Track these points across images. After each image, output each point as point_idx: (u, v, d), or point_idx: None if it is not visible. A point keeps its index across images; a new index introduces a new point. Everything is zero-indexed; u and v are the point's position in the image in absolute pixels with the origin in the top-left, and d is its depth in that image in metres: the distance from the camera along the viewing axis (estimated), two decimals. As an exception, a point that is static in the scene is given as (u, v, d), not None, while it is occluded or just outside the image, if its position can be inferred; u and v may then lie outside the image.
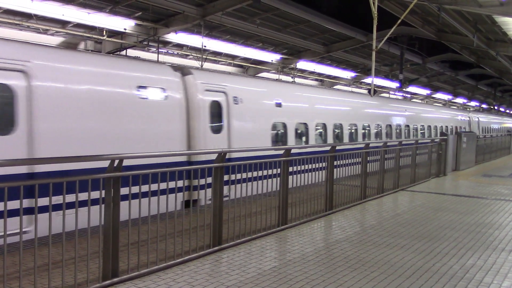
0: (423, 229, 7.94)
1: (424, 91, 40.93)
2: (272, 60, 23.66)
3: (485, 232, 7.86)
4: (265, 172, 7.24)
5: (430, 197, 11.42)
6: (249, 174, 6.94)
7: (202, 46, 17.86)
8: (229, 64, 24.08)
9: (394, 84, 31.89)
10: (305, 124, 14.02)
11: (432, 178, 14.62)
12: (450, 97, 46.69)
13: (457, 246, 6.99)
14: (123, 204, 5.05)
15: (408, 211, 9.53)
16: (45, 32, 16.01)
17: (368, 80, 31.26)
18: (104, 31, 16.46)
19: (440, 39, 23.03)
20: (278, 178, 7.63)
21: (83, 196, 4.70)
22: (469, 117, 32.54)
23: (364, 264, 5.98)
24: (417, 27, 20.81)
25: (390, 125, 19.90)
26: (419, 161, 13.73)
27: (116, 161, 5.01)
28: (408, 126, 21.70)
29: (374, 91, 19.45)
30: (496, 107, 54.27)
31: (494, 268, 6.00)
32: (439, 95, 44.60)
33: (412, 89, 37.05)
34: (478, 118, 34.73)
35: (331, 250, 6.55)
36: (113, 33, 16.95)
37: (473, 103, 54.96)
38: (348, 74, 30.17)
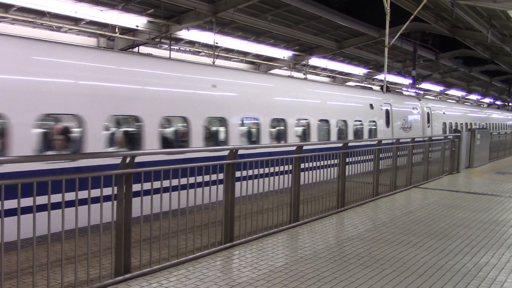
0: (436, 227, 7.88)
1: (438, 88, 40.63)
2: (284, 57, 23.62)
3: (499, 230, 7.78)
4: (276, 169, 7.24)
5: (443, 194, 11.34)
6: (261, 171, 6.94)
7: (214, 43, 17.88)
8: (241, 61, 24.09)
9: (407, 81, 31.68)
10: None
11: (445, 175, 14.50)
12: (463, 93, 46.29)
13: (471, 244, 6.93)
14: (136, 200, 5.07)
15: (421, 208, 9.47)
16: (58, 29, 16.14)
17: (380, 76, 31.09)
18: (117, 28, 16.55)
19: (454, 35, 22.83)
20: (290, 175, 7.62)
21: (96, 192, 4.73)
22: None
23: (376, 261, 5.95)
24: (430, 22, 20.65)
25: None
26: (432, 158, 13.63)
27: (128, 158, 5.04)
28: None
29: (387, 88, 19.35)
30: (511, 104, 53.68)
31: (508, 266, 5.93)
32: (452, 92, 44.22)
33: (425, 85, 36.78)
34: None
35: (343, 248, 6.53)
36: (125, 30, 17.04)
37: (487, 100, 54.43)
38: (360, 71, 30.04)
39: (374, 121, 17.09)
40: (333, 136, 14.48)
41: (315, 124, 13.69)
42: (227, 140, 10.61)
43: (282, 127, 12.63)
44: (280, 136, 12.64)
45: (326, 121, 14.35)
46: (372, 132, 16.99)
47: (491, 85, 45.85)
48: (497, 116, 36.99)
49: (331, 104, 15.38)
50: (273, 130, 12.41)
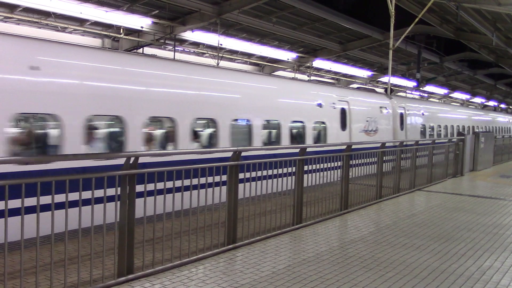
0: (439, 230, 7.86)
1: (442, 90, 40.53)
2: (288, 59, 23.62)
3: (502, 234, 7.76)
4: (280, 171, 7.24)
5: (447, 197, 11.31)
6: (264, 173, 6.94)
7: (218, 44, 17.90)
8: (245, 63, 24.11)
9: (411, 83, 31.63)
10: None
11: (449, 178, 14.47)
12: (468, 96, 46.19)
13: (474, 247, 6.90)
14: (141, 201, 5.08)
15: (424, 211, 9.45)
16: (63, 30, 16.19)
17: (384, 79, 31.04)
18: (121, 29, 16.59)
19: (458, 38, 22.80)
20: (293, 177, 7.62)
21: (99, 193, 4.74)
22: None
23: (379, 264, 5.94)
24: (435, 25, 20.62)
25: None
26: (436, 161, 13.60)
27: (132, 159, 5.04)
28: None
29: (391, 90, 19.28)
30: None
31: (512, 270, 5.92)
32: (456, 95, 44.13)
33: (429, 88, 36.71)
34: None
35: (346, 250, 6.52)
36: (130, 31, 17.09)
37: (491, 103, 54.32)
38: (364, 73, 30.02)
39: (323, 123, 14.08)
40: (257, 141, 11.26)
41: (227, 125, 10.49)
42: (61, 147, 7.45)
43: (169, 129, 9.33)
44: (165, 141, 9.35)
45: (247, 121, 11.25)
46: (321, 136, 14.04)
47: (495, 88, 45.72)
48: (495, 118, 34.58)
49: (255, 100, 11.95)
50: (153, 132, 9.15)
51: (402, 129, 18.99)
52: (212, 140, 10.30)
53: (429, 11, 17.04)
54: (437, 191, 12.18)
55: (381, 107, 17.79)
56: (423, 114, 21.54)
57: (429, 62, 30.45)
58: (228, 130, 10.52)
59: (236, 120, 10.98)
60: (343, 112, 15.07)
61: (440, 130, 23.27)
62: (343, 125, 15.01)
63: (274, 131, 12.13)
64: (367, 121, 16.45)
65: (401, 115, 19.07)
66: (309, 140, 13.20)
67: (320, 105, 14.01)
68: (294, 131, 12.90)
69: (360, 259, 6.10)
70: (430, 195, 11.61)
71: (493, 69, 35.01)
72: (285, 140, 12.28)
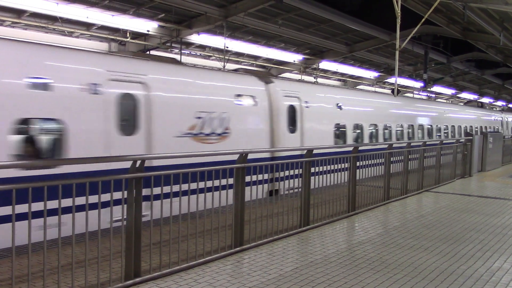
0: (447, 231, 7.81)
1: (449, 91, 40.34)
2: (294, 61, 23.61)
3: (511, 235, 7.71)
4: (287, 173, 7.23)
5: (455, 198, 11.24)
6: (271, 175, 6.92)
7: (225, 47, 17.91)
8: (252, 65, 24.12)
9: (418, 84, 31.50)
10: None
11: (457, 179, 14.39)
12: (476, 96, 45.96)
13: (483, 248, 6.86)
14: (149, 204, 5.09)
15: (433, 212, 9.40)
16: (70, 34, 16.28)
17: (391, 80, 30.94)
18: (128, 33, 16.64)
19: (466, 38, 22.66)
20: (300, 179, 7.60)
21: (106, 196, 4.75)
22: None
23: (387, 266, 5.91)
24: (442, 25, 20.51)
25: None
26: (444, 161, 13.53)
27: (138, 162, 5.06)
28: None
29: (398, 91, 19.15)
30: None
31: (521, 272, 5.86)
32: (464, 95, 43.91)
33: (436, 88, 36.52)
34: None
35: (354, 252, 6.50)
36: (136, 35, 17.14)
37: (499, 103, 53.97)
38: (371, 74, 29.94)
39: (53, 120, 7.47)
40: None
41: None
42: None
43: None
44: None
45: None
46: (56, 146, 7.54)
47: (503, 88, 45.41)
48: (473, 116, 28.53)
49: None
50: None
51: (293, 131, 12.53)
52: None
53: (435, 11, 16.95)
54: (445, 192, 12.11)
55: (239, 96, 11.10)
56: (340, 109, 14.77)
57: (436, 63, 30.29)
58: None
59: None
60: (129, 101, 8.65)
61: (377, 132, 16.56)
62: (131, 126, 8.65)
63: None
64: (199, 118, 9.83)
65: (292, 109, 12.57)
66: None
67: (40, 86, 7.37)
68: None
69: (368, 261, 6.07)
70: (438, 196, 11.56)
71: (501, 69, 34.76)
72: None
